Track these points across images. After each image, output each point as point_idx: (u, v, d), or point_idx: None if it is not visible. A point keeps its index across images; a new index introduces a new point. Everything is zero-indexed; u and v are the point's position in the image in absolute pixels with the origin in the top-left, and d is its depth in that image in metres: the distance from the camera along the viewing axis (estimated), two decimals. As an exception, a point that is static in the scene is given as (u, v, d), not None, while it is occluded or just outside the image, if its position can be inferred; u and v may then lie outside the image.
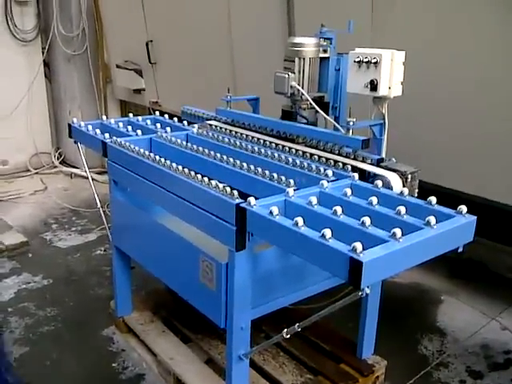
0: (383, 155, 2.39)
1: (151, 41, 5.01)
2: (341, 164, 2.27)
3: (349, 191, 1.92)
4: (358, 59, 2.26)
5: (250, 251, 1.95)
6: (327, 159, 2.34)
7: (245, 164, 2.27)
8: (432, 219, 1.64)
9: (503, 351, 2.95)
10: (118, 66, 5.61)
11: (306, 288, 2.25)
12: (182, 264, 2.28)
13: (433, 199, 1.83)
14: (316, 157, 2.38)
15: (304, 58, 2.58)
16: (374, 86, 2.23)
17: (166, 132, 2.83)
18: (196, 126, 3.01)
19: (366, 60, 2.22)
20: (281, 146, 2.55)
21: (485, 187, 3.07)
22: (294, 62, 2.59)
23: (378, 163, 2.25)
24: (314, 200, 1.81)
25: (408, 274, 3.63)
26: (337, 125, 2.51)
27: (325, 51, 2.64)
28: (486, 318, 3.28)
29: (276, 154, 2.40)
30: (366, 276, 1.43)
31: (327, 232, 1.54)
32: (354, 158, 2.33)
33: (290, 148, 2.52)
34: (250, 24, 4.06)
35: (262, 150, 2.47)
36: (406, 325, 3.19)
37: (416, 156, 2.87)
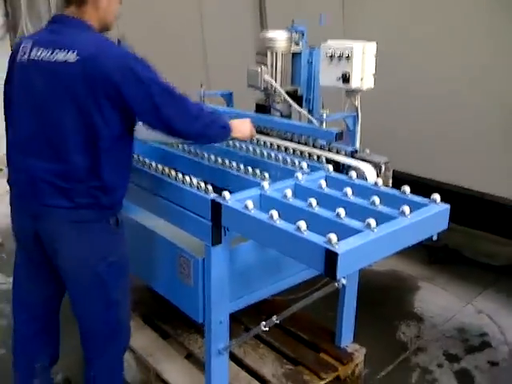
0: (357, 147, 2.41)
1: (122, 37, 4.94)
2: (315, 156, 2.29)
3: (323, 183, 1.94)
4: (330, 52, 2.27)
5: (227, 246, 1.96)
6: (302, 152, 2.35)
7: (219, 158, 2.27)
8: (406, 208, 1.67)
9: (479, 334, 3.02)
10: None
11: (284, 279, 2.26)
12: (158, 261, 2.27)
13: (406, 189, 1.86)
14: (291, 150, 2.39)
15: (276, 52, 2.59)
16: (346, 78, 2.24)
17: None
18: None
19: (338, 53, 2.24)
20: (255, 140, 2.56)
21: (459, 175, 3.13)
22: (266, 56, 2.59)
23: (352, 155, 2.28)
24: (289, 193, 1.82)
25: (385, 262, 3.66)
26: (310, 117, 2.53)
27: (297, 44, 2.65)
28: (461, 302, 3.35)
29: (251, 148, 2.41)
30: (342, 267, 1.44)
31: (302, 224, 1.55)
32: (329, 150, 2.35)
33: (264, 141, 2.53)
34: (223, 18, 4.05)
35: (237, 144, 2.47)
36: (384, 312, 3.24)
37: (391, 147, 2.92)
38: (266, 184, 1.92)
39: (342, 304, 2.58)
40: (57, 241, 1.87)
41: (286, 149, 2.41)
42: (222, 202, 1.82)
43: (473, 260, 3.76)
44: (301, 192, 1.99)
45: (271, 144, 2.49)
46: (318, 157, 2.28)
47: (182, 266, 2.10)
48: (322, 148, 2.39)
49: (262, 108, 2.73)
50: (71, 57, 1.71)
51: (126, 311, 2.09)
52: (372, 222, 1.56)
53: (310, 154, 2.31)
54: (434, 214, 1.73)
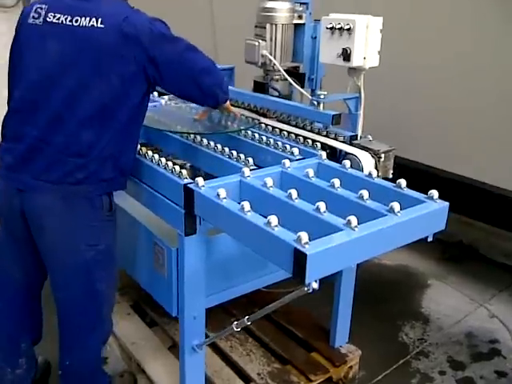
0: (359, 132, 2.19)
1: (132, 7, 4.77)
2: (310, 141, 2.08)
3: (311, 172, 1.74)
4: (331, 25, 2.04)
5: (202, 236, 1.79)
6: (296, 135, 2.15)
7: (205, 140, 2.09)
8: (396, 205, 1.46)
9: (488, 340, 2.79)
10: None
11: (268, 274, 2.09)
12: (136, 247, 2.12)
13: (402, 182, 1.64)
14: (285, 133, 2.19)
15: (276, 25, 2.37)
16: (347, 55, 2.02)
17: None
18: (166, 97, 2.82)
19: (339, 26, 2.01)
20: (248, 119, 2.36)
21: (478, 169, 2.87)
22: (265, 28, 2.38)
23: (351, 141, 2.06)
24: (270, 181, 1.63)
25: (395, 255, 3.45)
26: (309, 96, 2.31)
27: (300, 17, 2.42)
28: (474, 304, 3.11)
29: (243, 129, 2.22)
30: (312, 270, 1.26)
31: (273, 219, 1.36)
32: (326, 135, 2.14)
33: (260, 122, 2.33)
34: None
35: (229, 124, 2.28)
36: (388, 310, 3.03)
37: (401, 133, 2.68)
38: (246, 170, 1.73)
39: (337, 300, 2.39)
40: (45, 218, 1.75)
41: (281, 132, 2.21)
42: (194, 188, 1.65)
43: (489, 258, 3.50)
44: (286, 181, 1.80)
45: (266, 126, 2.29)
46: (314, 142, 2.07)
47: (157, 255, 1.95)
48: (319, 132, 2.18)
49: (260, 86, 2.53)
50: (95, 24, 1.65)
51: (109, 304, 1.98)
52: (353, 219, 1.36)
53: (305, 139, 2.11)
54: (428, 213, 1.52)
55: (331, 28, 2.04)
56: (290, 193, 1.55)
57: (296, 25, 2.42)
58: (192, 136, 2.15)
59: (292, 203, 1.53)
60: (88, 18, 1.66)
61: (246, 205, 1.45)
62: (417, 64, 2.78)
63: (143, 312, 2.77)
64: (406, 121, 2.87)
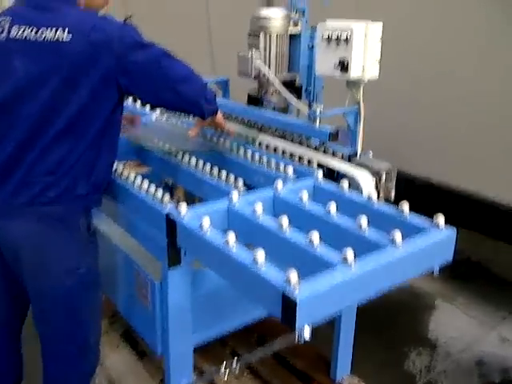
0: (358, 148, 2.04)
1: (131, 16, 4.64)
2: (306, 159, 1.93)
3: (305, 196, 1.58)
4: (327, 34, 1.89)
5: (188, 267, 1.64)
6: (292, 153, 2.00)
7: (193, 159, 1.94)
8: (397, 236, 1.30)
9: (501, 368, 2.61)
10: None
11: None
12: (116, 274, 1.97)
13: (405, 206, 1.49)
14: (280, 150, 2.04)
15: (270, 34, 2.22)
16: (344, 66, 1.86)
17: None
18: (158, 111, 2.67)
19: (335, 36, 1.86)
20: (243, 136, 2.21)
21: (486, 183, 2.70)
22: (258, 37, 2.23)
23: (350, 158, 1.91)
24: (260, 208, 1.48)
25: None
26: (305, 110, 2.15)
27: (296, 25, 2.27)
28: (484, 327, 2.93)
29: (234, 147, 2.07)
30: (302, 316, 1.10)
31: (260, 256, 1.21)
32: (324, 152, 1.99)
33: (253, 139, 2.18)
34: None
35: (221, 141, 2.13)
36: (392, 335, 2.85)
37: (403, 148, 2.53)
38: (235, 195, 1.58)
39: (338, 330, 2.22)
40: (20, 245, 1.62)
41: (276, 149, 2.06)
42: (176, 217, 1.50)
43: (498, 277, 3.32)
44: (278, 206, 1.65)
45: (260, 143, 2.14)
46: (310, 160, 1.92)
47: (140, 286, 1.79)
48: (316, 149, 2.03)
49: (255, 100, 2.38)
50: (62, 35, 1.54)
51: (95, 333, 1.84)
52: (349, 254, 1.20)
53: (300, 157, 1.96)
54: (434, 243, 1.36)
55: (327, 38, 1.88)
56: (280, 222, 1.39)
57: (292, 34, 2.27)
58: (180, 155, 2.01)
59: (283, 235, 1.38)
60: (54, 29, 1.54)
61: (232, 238, 1.30)
62: (420, 73, 2.62)
63: (134, 341, 2.61)
64: (409, 134, 2.71)
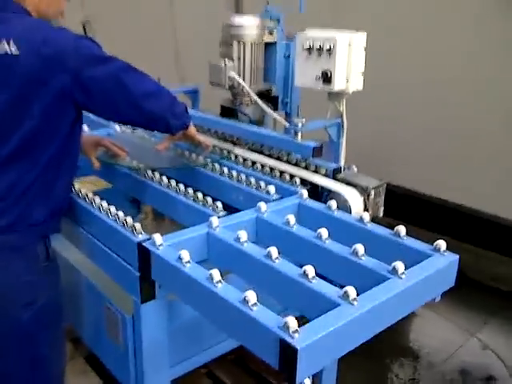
0: (341, 163, 1.93)
1: (88, 21, 4.41)
2: (288, 176, 1.80)
3: (292, 219, 1.45)
4: (308, 44, 1.77)
5: (163, 300, 1.48)
6: (272, 169, 1.87)
7: (164, 178, 1.79)
8: (399, 265, 1.19)
9: (485, 377, 2.55)
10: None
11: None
12: (85, 307, 1.79)
13: (401, 230, 1.38)
14: (259, 165, 1.91)
15: (244, 43, 2.09)
16: (327, 78, 1.75)
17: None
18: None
19: (317, 46, 1.74)
20: (218, 150, 2.06)
21: (466, 193, 2.64)
22: (232, 46, 2.10)
23: (335, 174, 1.79)
24: (244, 235, 1.34)
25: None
26: (287, 124, 2.03)
27: (271, 34, 2.15)
28: (464, 334, 2.87)
29: (209, 162, 1.92)
30: (303, 366, 0.97)
31: (250, 295, 1.07)
32: (306, 167, 1.87)
33: (228, 152, 2.04)
34: (195, 4, 3.53)
35: (192, 155, 1.98)
36: (374, 347, 2.72)
37: (387, 161, 2.44)
38: (214, 220, 1.43)
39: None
40: None
41: (254, 164, 1.93)
42: (150, 247, 1.34)
43: (478, 282, 3.28)
44: (263, 230, 1.51)
45: (236, 157, 2.00)
46: (292, 176, 1.80)
47: (110, 320, 1.62)
48: (297, 164, 1.90)
49: (229, 111, 2.24)
50: (9, 49, 1.40)
51: (58, 369, 1.68)
52: (351, 291, 1.08)
53: (281, 173, 1.83)
54: (438, 271, 1.26)
55: (308, 48, 1.77)
56: (269, 251, 1.26)
57: (267, 43, 2.15)
58: (150, 173, 1.84)
59: (272, 265, 1.24)
60: (4, 42, 1.38)
61: (216, 274, 1.16)
62: (402, 83, 2.54)
63: (100, 366, 2.42)
64: (391, 146, 2.62)
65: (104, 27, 4.38)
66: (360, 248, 1.27)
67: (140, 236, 1.40)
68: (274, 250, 1.26)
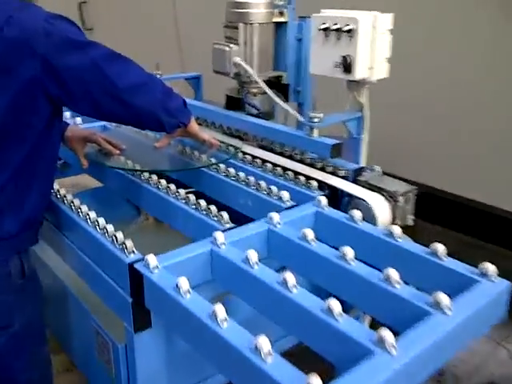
0: (362, 162, 1.71)
1: (85, 1, 4.15)
2: (302, 178, 1.58)
3: (310, 233, 1.24)
4: (325, 26, 1.54)
5: (160, 330, 1.27)
6: (284, 169, 1.65)
7: (163, 181, 1.57)
8: (443, 298, 0.98)
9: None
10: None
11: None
12: (75, 329, 1.60)
13: (439, 248, 1.16)
14: (269, 165, 1.69)
15: (252, 24, 1.85)
16: (347, 65, 1.52)
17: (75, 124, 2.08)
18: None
19: (336, 27, 1.51)
20: (223, 147, 1.84)
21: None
22: (237, 29, 1.86)
23: (356, 177, 1.57)
24: (254, 256, 1.13)
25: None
26: (299, 117, 1.79)
27: (281, 14, 1.91)
28: (490, 342, 2.66)
29: (213, 162, 1.70)
30: None
31: (264, 343, 0.86)
32: (323, 168, 1.64)
33: (236, 148, 1.82)
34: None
35: (195, 154, 1.76)
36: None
37: (411, 158, 2.21)
38: (219, 235, 1.22)
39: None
40: None
41: (264, 163, 1.71)
42: (143, 270, 1.13)
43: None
44: (276, 245, 1.30)
45: (244, 154, 1.78)
46: (307, 178, 1.58)
47: (101, 347, 1.42)
48: (312, 164, 1.68)
49: (235, 102, 2.02)
50: None
51: None
52: (388, 336, 0.87)
53: (295, 174, 1.61)
54: (488, 302, 1.04)
55: (325, 29, 1.53)
56: (284, 278, 1.04)
57: (277, 24, 1.91)
58: (146, 174, 1.63)
59: (288, 295, 1.03)
60: None
61: (221, 311, 0.95)
62: (428, 71, 2.28)
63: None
64: (417, 142, 2.37)
65: (102, 9, 4.13)
66: (393, 274, 1.06)
67: (132, 256, 1.19)
68: (290, 277, 1.04)
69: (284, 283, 1.04)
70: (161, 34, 3.57)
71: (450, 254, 1.17)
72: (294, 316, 1.02)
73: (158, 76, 2.25)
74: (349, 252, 1.15)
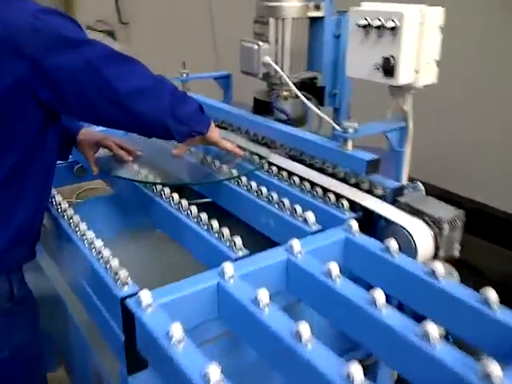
0: (404, 178, 1.49)
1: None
2: (333, 196, 1.38)
3: (335, 269, 1.04)
4: (364, 22, 1.33)
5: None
6: (313, 185, 1.45)
7: (175, 196, 1.40)
8: (495, 370, 0.77)
9: None
10: (88, 27, 4.71)
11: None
12: (78, 359, 1.46)
13: (491, 295, 0.95)
14: (297, 179, 1.49)
15: (284, 19, 1.66)
16: (389, 67, 1.31)
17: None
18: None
19: (377, 24, 1.30)
20: (248, 155, 1.66)
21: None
22: (267, 24, 1.68)
23: (395, 197, 1.36)
24: (265, 297, 0.95)
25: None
26: (335, 125, 1.58)
27: (317, 8, 1.71)
28: None
29: (234, 174, 1.53)
30: None
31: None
32: (356, 185, 1.44)
33: (261, 158, 1.63)
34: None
35: (216, 163, 1.59)
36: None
37: (459, 174, 1.97)
38: (228, 268, 1.04)
39: None
40: None
41: (290, 177, 1.52)
42: (135, 309, 0.97)
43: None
44: (294, 280, 1.12)
45: (270, 165, 1.59)
46: (338, 197, 1.38)
47: (98, 381, 1.28)
48: (346, 180, 1.47)
49: (263, 106, 1.83)
50: None
51: None
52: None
53: (324, 191, 1.41)
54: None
55: (365, 26, 1.32)
56: (298, 330, 0.86)
57: (312, 19, 1.71)
58: (158, 187, 1.47)
59: (301, 352, 0.84)
60: None
61: (214, 372, 0.77)
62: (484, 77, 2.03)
63: None
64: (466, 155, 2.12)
65: (139, 4, 4.02)
66: (433, 331, 0.85)
67: (125, 289, 1.03)
68: (305, 329, 0.86)
69: (298, 337, 0.86)
70: (197, 33, 3.42)
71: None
72: (309, 377, 0.84)
73: (184, 75, 2.10)
74: (380, 296, 0.95)
